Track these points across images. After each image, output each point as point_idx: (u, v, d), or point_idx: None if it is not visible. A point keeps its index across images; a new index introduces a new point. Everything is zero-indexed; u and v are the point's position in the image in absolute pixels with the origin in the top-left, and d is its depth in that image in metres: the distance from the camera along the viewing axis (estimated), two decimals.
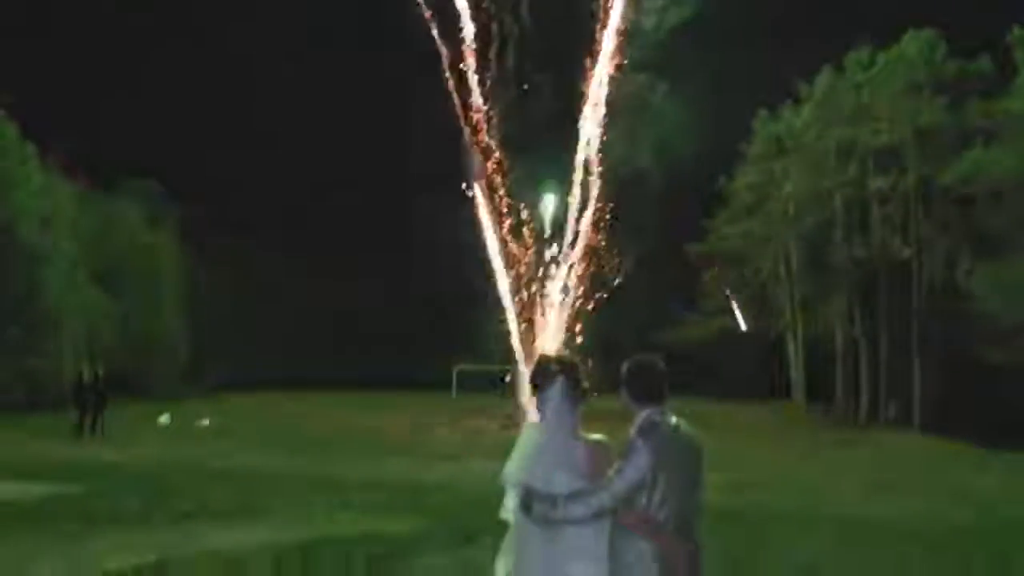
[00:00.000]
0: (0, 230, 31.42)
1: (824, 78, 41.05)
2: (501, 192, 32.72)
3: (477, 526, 9.61)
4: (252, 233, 56.16)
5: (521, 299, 33.05)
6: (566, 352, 4.66)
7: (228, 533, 9.66)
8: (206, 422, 27.45)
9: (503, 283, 33.13)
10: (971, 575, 8.51)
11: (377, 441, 23.25)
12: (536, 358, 4.58)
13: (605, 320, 33.38)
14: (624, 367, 4.23)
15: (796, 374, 44.66)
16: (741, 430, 29.23)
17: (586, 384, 4.26)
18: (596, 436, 4.18)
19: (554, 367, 4.26)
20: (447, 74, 31.84)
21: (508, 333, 33.64)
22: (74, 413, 23.07)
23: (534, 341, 33.07)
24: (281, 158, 61.25)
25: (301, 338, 57.97)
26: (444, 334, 55.33)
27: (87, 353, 34.20)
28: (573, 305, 33.30)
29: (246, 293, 55.29)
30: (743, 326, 48.18)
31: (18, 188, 32.59)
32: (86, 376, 23.52)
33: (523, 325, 33.16)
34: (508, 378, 33.66)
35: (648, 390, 4.15)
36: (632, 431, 4.05)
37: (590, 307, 32.96)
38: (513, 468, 4.18)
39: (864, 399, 41.19)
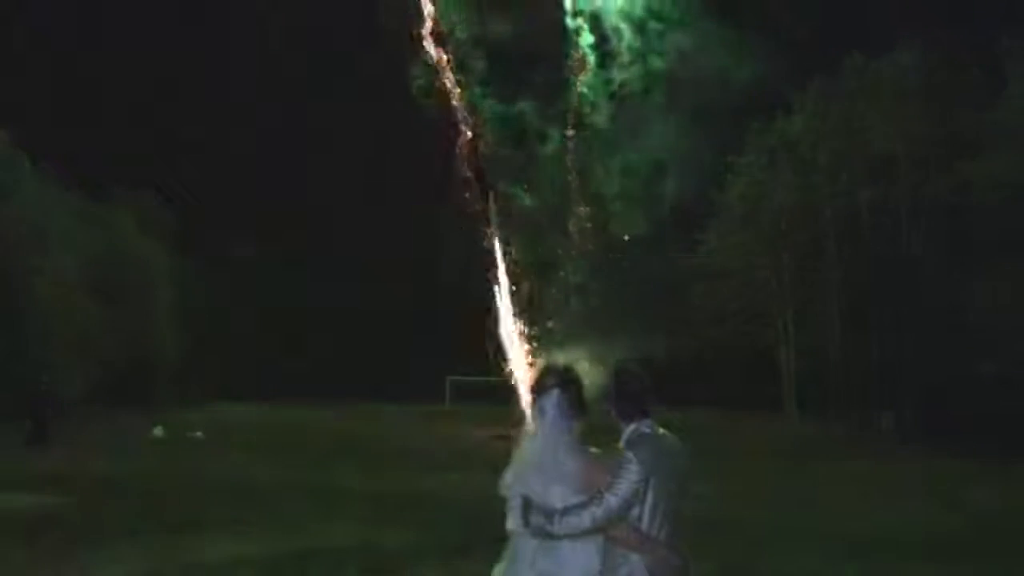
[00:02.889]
0: None
1: (817, 85, 41.19)
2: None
3: (471, 537, 9.59)
4: (244, 241, 56.13)
5: (519, 307, 33.32)
6: (566, 363, 4.57)
7: (220, 545, 9.60)
8: (199, 434, 27.33)
9: (504, 291, 33.40)
10: None
11: (370, 451, 23.17)
12: (537, 367, 4.57)
13: (598, 331, 33.45)
14: (608, 380, 4.23)
15: (788, 386, 44.65)
16: (734, 441, 29.21)
17: (585, 398, 4.25)
18: (592, 449, 4.17)
19: (550, 380, 4.24)
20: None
21: (502, 343, 33.71)
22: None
23: (531, 351, 33.14)
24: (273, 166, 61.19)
25: (293, 348, 57.93)
26: (436, 344, 55.26)
27: (80, 364, 34.12)
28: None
29: (239, 304, 55.29)
30: None
31: (10, 198, 32.53)
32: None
33: (520, 336, 33.31)
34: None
35: (634, 403, 4.16)
36: (621, 444, 4.06)
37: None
38: (510, 479, 4.18)
39: (856, 410, 41.22)
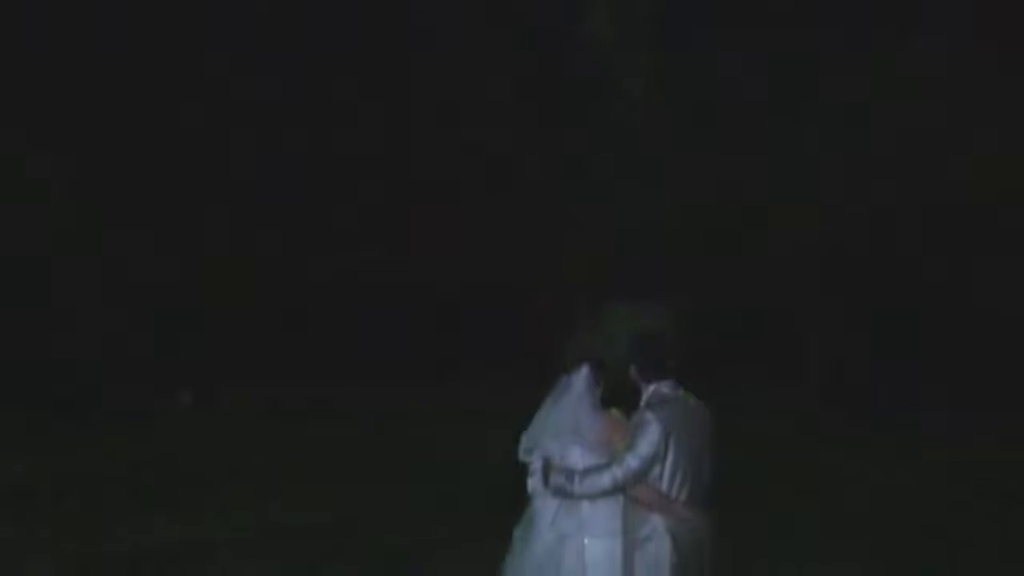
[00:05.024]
0: None
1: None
2: None
3: (490, 500, 9.35)
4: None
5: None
6: (595, 335, 4.53)
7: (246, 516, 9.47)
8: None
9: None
10: None
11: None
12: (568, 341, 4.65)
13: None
14: (630, 340, 4.21)
15: None
16: None
17: (612, 368, 4.28)
18: (612, 410, 4.18)
19: (581, 357, 4.27)
20: None
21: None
22: None
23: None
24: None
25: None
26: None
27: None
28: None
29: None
30: None
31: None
32: None
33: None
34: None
35: (656, 363, 4.14)
36: (642, 404, 4.05)
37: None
38: (529, 442, 4.20)
39: None
